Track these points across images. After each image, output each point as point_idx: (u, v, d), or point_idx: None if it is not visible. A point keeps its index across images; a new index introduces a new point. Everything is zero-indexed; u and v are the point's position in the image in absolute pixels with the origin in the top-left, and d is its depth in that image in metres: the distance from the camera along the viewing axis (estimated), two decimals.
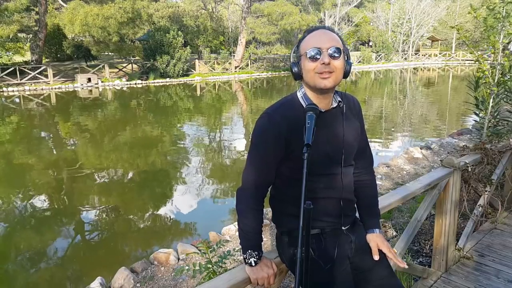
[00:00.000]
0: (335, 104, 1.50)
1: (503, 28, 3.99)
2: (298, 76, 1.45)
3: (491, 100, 4.14)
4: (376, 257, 1.58)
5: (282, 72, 32.35)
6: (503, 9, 3.91)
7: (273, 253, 1.65)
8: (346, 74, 1.44)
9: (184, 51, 25.78)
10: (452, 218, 2.85)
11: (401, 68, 39.25)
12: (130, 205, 6.21)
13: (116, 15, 21.83)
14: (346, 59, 1.42)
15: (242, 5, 32.49)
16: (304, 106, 1.43)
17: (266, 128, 1.43)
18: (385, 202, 2.23)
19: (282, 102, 1.49)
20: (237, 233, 1.55)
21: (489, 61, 4.15)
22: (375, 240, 1.61)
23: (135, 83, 24.12)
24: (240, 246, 1.54)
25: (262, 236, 1.55)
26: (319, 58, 1.37)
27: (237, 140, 10.45)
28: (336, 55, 1.37)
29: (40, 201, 6.36)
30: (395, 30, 45.89)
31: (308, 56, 1.38)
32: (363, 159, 1.67)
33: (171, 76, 25.58)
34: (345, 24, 43.18)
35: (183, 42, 26.03)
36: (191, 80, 26.77)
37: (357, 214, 1.70)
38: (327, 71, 1.37)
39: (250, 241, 1.49)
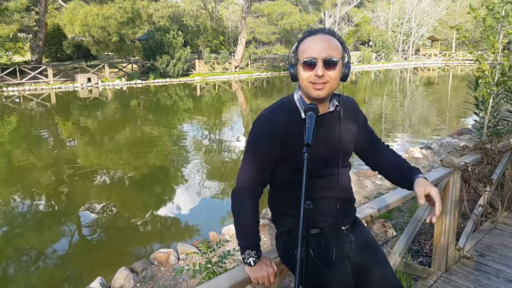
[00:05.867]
0: (332, 108, 1.50)
1: (503, 28, 3.99)
2: (295, 78, 1.45)
3: (491, 100, 4.15)
4: (421, 201, 1.46)
5: (282, 72, 32.35)
6: (502, 9, 3.92)
7: (273, 253, 1.65)
8: (344, 78, 1.44)
9: (184, 51, 25.77)
10: (452, 218, 2.85)
11: (401, 68, 39.25)
12: (130, 204, 6.21)
13: (116, 15, 21.83)
14: (346, 61, 1.42)
15: (242, 5, 32.48)
16: (300, 108, 1.44)
17: (262, 130, 1.44)
18: (385, 202, 2.23)
19: (278, 104, 1.49)
20: (235, 234, 1.55)
21: (489, 61, 4.15)
22: (421, 184, 1.49)
23: (135, 83, 24.13)
24: (239, 246, 1.54)
25: (262, 236, 1.55)
26: (313, 68, 1.36)
27: (237, 140, 10.45)
28: (332, 65, 1.36)
29: (40, 201, 6.37)
30: (395, 30, 45.88)
31: (302, 65, 1.38)
32: (380, 147, 1.69)
33: (171, 76, 25.59)
34: (345, 24, 43.15)
35: (183, 42, 26.03)
36: (191, 80, 26.77)
37: (357, 214, 1.71)
38: (321, 82, 1.36)
39: (248, 241, 1.50)
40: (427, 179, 1.52)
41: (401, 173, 1.61)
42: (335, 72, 1.37)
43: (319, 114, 1.44)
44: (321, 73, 1.34)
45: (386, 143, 1.75)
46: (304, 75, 1.38)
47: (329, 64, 1.35)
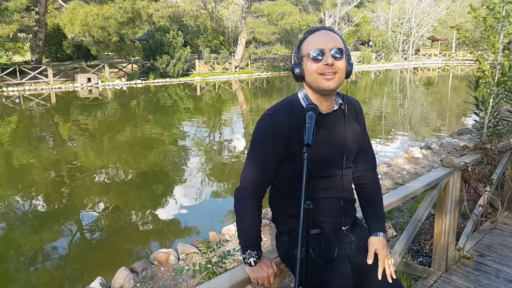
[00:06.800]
0: (336, 107, 1.50)
1: (503, 28, 3.99)
2: (300, 78, 1.45)
3: (491, 100, 4.15)
4: (369, 261, 1.58)
5: (282, 72, 32.36)
6: (502, 9, 3.92)
7: (273, 253, 1.65)
8: (348, 75, 1.44)
9: (184, 51, 25.78)
10: (452, 218, 2.85)
11: (401, 68, 39.24)
12: (130, 205, 6.21)
13: (116, 15, 21.83)
14: (347, 59, 1.43)
15: (242, 5, 32.49)
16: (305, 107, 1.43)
17: (266, 129, 1.44)
18: (385, 202, 2.22)
19: (282, 103, 1.48)
20: (237, 233, 1.55)
21: (489, 61, 4.15)
22: (374, 244, 1.61)
23: (135, 83, 24.12)
24: (240, 246, 1.54)
25: (262, 236, 1.55)
26: (322, 59, 1.37)
27: (237, 140, 10.45)
28: (339, 55, 1.37)
29: (41, 201, 6.36)
30: (395, 30, 45.88)
31: (311, 57, 1.38)
32: (365, 161, 1.67)
33: (171, 76, 25.59)
34: (345, 24, 43.16)
35: (183, 42, 26.03)
36: (191, 80, 26.77)
37: (357, 214, 1.70)
38: (331, 71, 1.37)
39: (249, 241, 1.50)
40: (385, 238, 1.63)
41: (368, 215, 1.70)
42: (342, 62, 1.39)
43: (324, 113, 1.44)
44: (331, 61, 1.36)
45: (376, 156, 1.76)
46: (313, 67, 1.38)
47: (336, 54, 1.37)
